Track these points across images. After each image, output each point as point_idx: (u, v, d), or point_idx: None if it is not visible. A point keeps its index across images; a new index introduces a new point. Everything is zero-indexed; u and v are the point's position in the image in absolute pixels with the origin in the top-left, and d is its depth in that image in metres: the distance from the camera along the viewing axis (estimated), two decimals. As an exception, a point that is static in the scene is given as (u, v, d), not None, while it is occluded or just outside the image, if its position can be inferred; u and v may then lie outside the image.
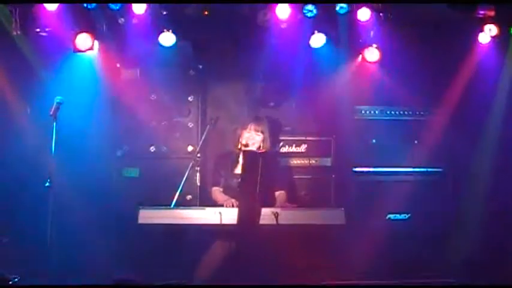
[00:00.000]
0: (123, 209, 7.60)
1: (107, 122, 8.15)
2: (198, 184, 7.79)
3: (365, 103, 8.33)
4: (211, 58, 8.37)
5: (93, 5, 7.67)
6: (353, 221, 7.17)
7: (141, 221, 6.82)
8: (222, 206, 7.07)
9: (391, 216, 8.17)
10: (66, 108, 7.05)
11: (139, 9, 7.70)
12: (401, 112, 8.35)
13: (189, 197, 7.91)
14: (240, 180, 7.10)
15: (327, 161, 8.27)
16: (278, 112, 8.35)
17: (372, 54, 8.20)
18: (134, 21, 7.85)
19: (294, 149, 8.27)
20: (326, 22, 8.01)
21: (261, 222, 6.73)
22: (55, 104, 6.93)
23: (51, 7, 7.60)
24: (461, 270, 7.69)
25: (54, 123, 6.88)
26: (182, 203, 7.36)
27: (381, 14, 7.95)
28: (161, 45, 7.97)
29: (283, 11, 7.79)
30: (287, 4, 7.76)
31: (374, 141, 8.32)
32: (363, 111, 8.34)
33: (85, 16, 7.80)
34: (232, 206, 6.99)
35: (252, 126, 7.35)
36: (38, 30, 7.83)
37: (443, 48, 8.16)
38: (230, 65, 8.32)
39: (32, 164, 7.67)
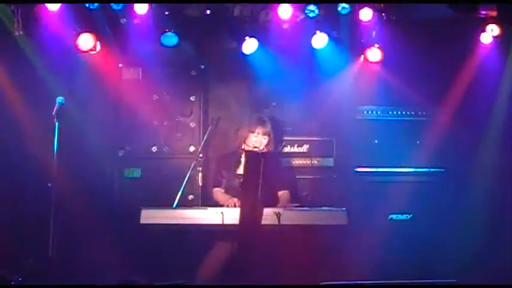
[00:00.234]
0: (125, 209, 7.61)
1: (108, 123, 8.16)
2: (200, 184, 7.80)
3: (367, 103, 8.32)
4: (213, 58, 8.36)
5: (95, 5, 7.67)
6: (355, 221, 7.16)
7: (143, 221, 6.82)
8: (223, 206, 7.08)
9: (393, 216, 8.16)
10: (68, 109, 7.05)
11: (141, 9, 7.70)
12: (403, 112, 8.34)
13: (191, 197, 7.91)
14: (242, 180, 7.10)
15: (329, 161, 8.27)
16: (280, 112, 8.33)
17: (374, 54, 8.19)
18: (136, 21, 7.85)
19: (296, 149, 8.27)
20: (328, 22, 8.02)
21: (263, 222, 6.73)
22: (57, 104, 6.93)
23: (53, 7, 7.60)
24: (463, 271, 7.68)
25: (56, 124, 6.88)
26: (184, 203, 7.35)
27: (383, 14, 7.95)
28: (163, 46, 7.97)
29: (285, 11, 7.79)
30: (289, 4, 7.76)
31: (376, 141, 8.31)
32: (365, 112, 8.33)
33: (87, 16, 7.80)
34: (235, 205, 7.00)
35: (259, 130, 7.34)
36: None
37: (446, 49, 8.15)
38: (232, 65, 8.31)
39: (34, 165, 7.67)
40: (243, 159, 7.27)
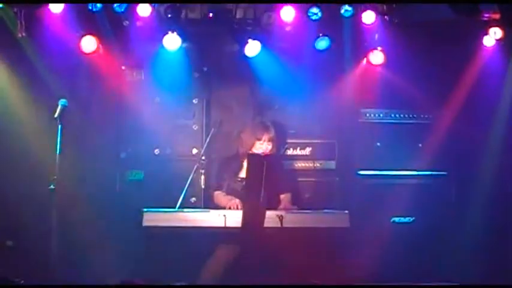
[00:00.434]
0: (127, 211, 7.59)
1: (111, 125, 8.15)
2: (203, 187, 7.79)
3: (370, 106, 8.32)
4: (215, 61, 8.36)
5: (98, 7, 7.67)
6: (357, 224, 7.18)
7: (145, 223, 6.83)
8: (225, 208, 7.08)
9: (396, 219, 8.16)
10: (71, 111, 7.05)
11: (144, 11, 7.70)
12: (406, 115, 8.34)
13: (193, 199, 7.91)
14: (244, 183, 7.09)
15: (332, 164, 8.27)
16: (283, 115, 8.33)
17: (377, 57, 8.20)
18: (139, 23, 7.85)
19: (298, 151, 8.27)
20: (331, 25, 8.02)
21: (266, 225, 6.73)
22: (60, 106, 6.93)
23: (56, 9, 7.60)
24: (465, 273, 7.69)
25: (59, 126, 6.88)
26: (186, 206, 7.35)
27: (385, 17, 7.96)
28: (166, 48, 7.97)
29: (287, 14, 7.80)
30: (292, 7, 7.76)
31: (378, 144, 8.31)
32: (367, 114, 8.33)
33: (90, 18, 7.79)
34: (237, 207, 7.00)
35: (265, 137, 7.36)
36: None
37: (448, 51, 8.15)
38: (235, 68, 8.31)
39: (36, 167, 7.67)
40: (245, 164, 7.27)
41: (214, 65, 8.37)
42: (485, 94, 8.18)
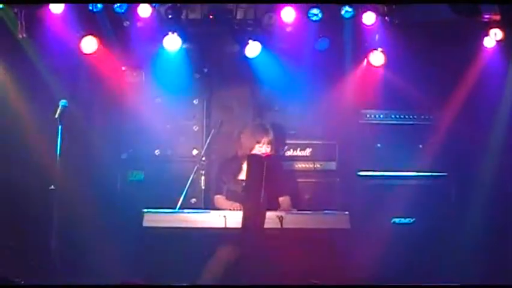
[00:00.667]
0: (128, 212, 7.60)
1: (111, 125, 8.16)
2: (203, 187, 7.82)
3: (370, 107, 8.32)
4: (216, 61, 8.36)
5: (99, 8, 7.67)
6: (358, 225, 7.17)
7: (146, 224, 6.83)
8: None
9: (396, 220, 8.15)
10: (71, 112, 7.06)
11: (144, 12, 7.71)
12: (406, 116, 8.33)
13: (193, 200, 7.92)
14: (244, 184, 7.10)
15: (332, 165, 8.27)
16: (283, 116, 8.33)
17: (377, 58, 8.19)
18: (139, 24, 7.86)
19: (298, 152, 8.27)
20: (331, 26, 8.02)
21: (266, 226, 6.72)
22: (60, 107, 6.93)
23: (57, 10, 7.60)
24: (465, 274, 7.68)
25: (59, 127, 6.88)
26: (187, 206, 7.35)
27: (386, 18, 7.96)
28: (166, 48, 7.97)
29: (288, 15, 7.80)
30: (292, 8, 7.77)
31: (379, 145, 8.31)
32: (367, 115, 8.33)
33: (90, 19, 7.80)
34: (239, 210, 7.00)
35: (265, 140, 7.37)
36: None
37: (449, 52, 8.15)
38: (235, 69, 8.31)
39: (37, 167, 7.67)
40: (244, 166, 7.27)
41: (215, 66, 8.37)
42: (485, 95, 8.18)
